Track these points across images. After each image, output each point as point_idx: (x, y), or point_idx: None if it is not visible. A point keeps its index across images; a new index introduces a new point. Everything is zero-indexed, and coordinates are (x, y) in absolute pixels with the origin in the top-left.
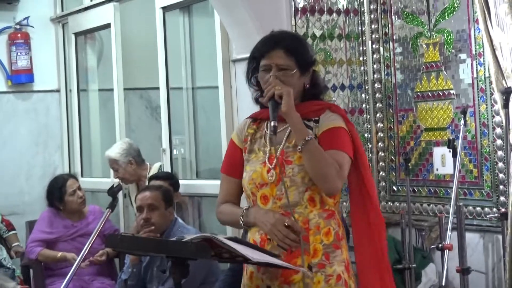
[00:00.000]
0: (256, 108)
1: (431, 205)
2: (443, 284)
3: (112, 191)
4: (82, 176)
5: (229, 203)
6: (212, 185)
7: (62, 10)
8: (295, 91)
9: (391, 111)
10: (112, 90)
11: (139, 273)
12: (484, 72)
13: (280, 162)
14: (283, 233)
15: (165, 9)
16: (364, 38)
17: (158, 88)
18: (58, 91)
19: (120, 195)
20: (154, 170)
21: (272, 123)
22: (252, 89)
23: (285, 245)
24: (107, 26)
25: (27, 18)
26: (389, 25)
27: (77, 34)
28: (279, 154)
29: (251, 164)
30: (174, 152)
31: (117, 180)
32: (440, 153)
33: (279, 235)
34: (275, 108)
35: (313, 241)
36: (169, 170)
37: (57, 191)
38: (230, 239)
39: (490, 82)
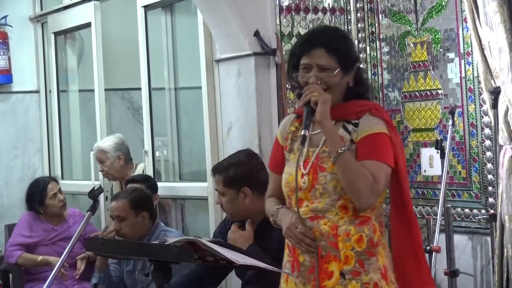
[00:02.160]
0: None
1: (419, 206)
2: None
3: (93, 194)
4: (62, 178)
5: (274, 197)
6: (195, 187)
7: (42, 9)
8: (337, 91)
9: None
10: (92, 90)
11: (109, 277)
12: (473, 71)
13: (313, 167)
14: (298, 237)
15: (147, 7)
16: (350, 37)
17: (140, 89)
18: (37, 92)
19: (101, 197)
20: (139, 170)
21: (303, 132)
22: (292, 85)
23: (302, 248)
24: (88, 25)
25: (5, 17)
26: (376, 24)
27: (56, 34)
28: (314, 158)
29: (289, 166)
30: (157, 154)
31: (98, 183)
32: (428, 154)
33: (295, 238)
34: (309, 115)
35: (343, 248)
36: (151, 172)
37: (38, 195)
38: (213, 242)
39: (479, 82)
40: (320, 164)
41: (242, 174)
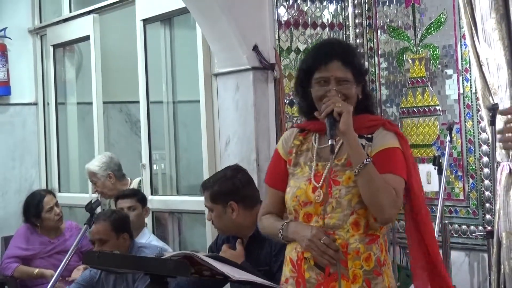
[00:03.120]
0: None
1: None
2: None
3: (90, 207)
4: (59, 191)
5: (271, 214)
6: (192, 201)
7: (41, 22)
8: (351, 104)
9: None
10: (91, 103)
11: None
12: (471, 88)
13: (327, 181)
14: (321, 249)
15: (146, 21)
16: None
17: (138, 102)
18: (35, 104)
19: (98, 211)
20: (134, 185)
21: (330, 142)
22: (298, 100)
23: (324, 261)
24: (87, 38)
25: (4, 29)
26: (375, 40)
27: (55, 46)
28: (327, 172)
29: (296, 180)
30: (154, 167)
31: (95, 196)
32: (426, 170)
33: (317, 251)
34: (333, 126)
35: (352, 266)
36: (148, 186)
37: (34, 208)
38: (210, 256)
39: (477, 98)
40: (333, 177)
41: (228, 189)
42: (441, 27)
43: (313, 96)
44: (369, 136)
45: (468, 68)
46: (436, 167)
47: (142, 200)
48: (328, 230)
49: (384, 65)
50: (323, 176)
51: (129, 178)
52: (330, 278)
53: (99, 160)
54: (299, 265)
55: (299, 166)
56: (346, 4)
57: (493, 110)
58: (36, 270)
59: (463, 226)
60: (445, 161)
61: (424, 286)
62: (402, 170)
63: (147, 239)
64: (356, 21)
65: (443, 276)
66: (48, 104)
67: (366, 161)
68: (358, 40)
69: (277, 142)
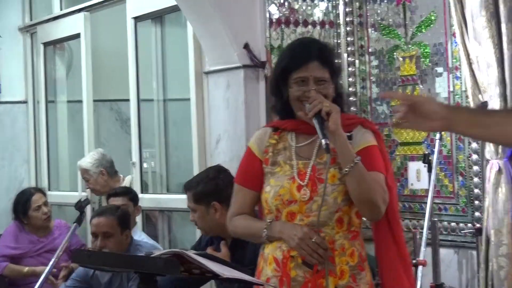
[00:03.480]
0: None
1: (406, 220)
2: None
3: (80, 205)
4: (49, 189)
5: (245, 214)
6: (183, 200)
7: (31, 19)
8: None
9: None
10: (81, 101)
11: None
12: (461, 86)
13: (312, 179)
14: (312, 248)
15: (137, 19)
16: (339, 51)
17: (128, 100)
18: (25, 102)
19: (87, 209)
20: (127, 182)
21: (324, 141)
22: (273, 99)
23: (313, 260)
24: (77, 36)
25: None
26: (365, 38)
27: (46, 44)
28: (311, 170)
29: (277, 179)
30: (144, 165)
31: (85, 194)
32: (415, 168)
33: (307, 250)
34: (322, 126)
35: (339, 263)
36: (138, 183)
37: (22, 205)
38: (200, 254)
39: (467, 96)
40: (318, 176)
41: (210, 189)
42: (431, 25)
43: (290, 96)
44: (348, 134)
45: (458, 66)
46: (426, 165)
47: (134, 198)
48: (314, 228)
49: (374, 63)
50: (307, 174)
51: (121, 175)
52: (318, 275)
53: (91, 157)
54: (285, 264)
55: (278, 165)
56: (337, 2)
57: (483, 107)
58: (27, 268)
59: (452, 224)
60: (434, 158)
61: (393, 281)
62: (382, 167)
63: (139, 237)
64: (347, 19)
65: (409, 274)
66: (38, 102)
67: (356, 160)
68: (349, 38)
69: None
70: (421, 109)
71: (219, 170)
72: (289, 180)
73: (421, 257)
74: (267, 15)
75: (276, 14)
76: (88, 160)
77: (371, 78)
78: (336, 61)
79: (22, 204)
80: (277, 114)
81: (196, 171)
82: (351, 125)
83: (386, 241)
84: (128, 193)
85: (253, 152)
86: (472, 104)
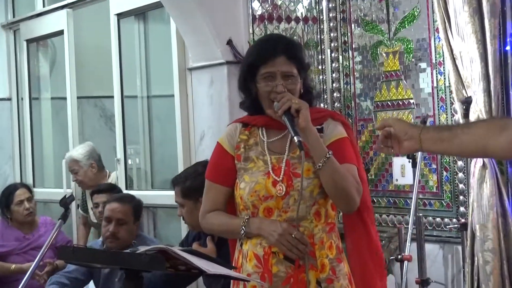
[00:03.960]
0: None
1: (390, 215)
2: None
3: (64, 202)
4: (34, 186)
5: (219, 211)
6: (167, 196)
7: (14, 16)
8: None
9: (350, 120)
10: (65, 98)
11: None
12: (444, 81)
13: (287, 174)
14: (292, 243)
15: (120, 16)
16: (323, 47)
17: (112, 97)
18: (9, 99)
19: (72, 205)
20: (113, 178)
21: (296, 139)
22: (242, 95)
23: (294, 255)
24: (60, 33)
25: None
26: (349, 34)
27: (29, 41)
28: (285, 165)
29: (251, 175)
30: (129, 162)
31: (70, 191)
32: (400, 163)
33: (287, 245)
34: (292, 123)
35: (320, 256)
36: (123, 180)
37: (5, 198)
38: (185, 250)
39: (450, 92)
40: (293, 170)
41: (199, 184)
42: (414, 21)
43: (260, 92)
44: (319, 127)
45: (442, 62)
46: (410, 160)
47: None
48: (293, 223)
49: (358, 59)
50: (282, 169)
51: (108, 171)
52: (300, 270)
53: (82, 148)
54: (266, 260)
55: (251, 160)
56: None
57: (467, 103)
58: (13, 266)
59: (437, 219)
60: (419, 154)
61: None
62: (354, 159)
63: None
64: (330, 15)
65: (381, 271)
66: (22, 99)
67: (328, 155)
68: (332, 34)
69: None
70: (393, 131)
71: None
72: (263, 175)
73: (406, 253)
74: (250, 11)
75: (259, 10)
76: (80, 151)
77: (355, 74)
78: (304, 56)
79: (6, 197)
80: (246, 110)
81: (180, 167)
82: (321, 118)
83: (357, 235)
84: (113, 189)
85: (224, 148)
86: (456, 100)
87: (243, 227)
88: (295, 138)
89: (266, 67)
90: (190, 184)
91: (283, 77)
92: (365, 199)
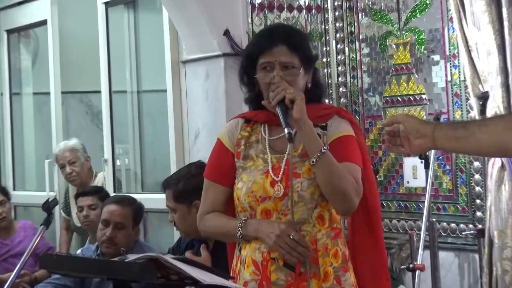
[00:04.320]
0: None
1: (401, 221)
2: None
3: (47, 206)
4: (14, 189)
5: (217, 212)
6: (159, 199)
7: None
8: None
9: (357, 117)
10: (48, 93)
11: None
12: (459, 75)
13: (287, 174)
14: (290, 245)
15: (108, 4)
16: (327, 38)
17: (99, 92)
18: None
19: (56, 210)
20: (99, 178)
21: (287, 130)
22: (244, 89)
23: (293, 258)
24: (44, 22)
25: None
26: (355, 23)
27: (9, 32)
28: (285, 164)
29: (249, 174)
30: (117, 162)
31: (53, 194)
32: (411, 164)
33: (286, 248)
34: (285, 114)
35: (323, 264)
36: (111, 182)
37: None
38: (178, 259)
39: (466, 86)
40: (293, 170)
41: (193, 187)
42: (426, 10)
43: (260, 83)
44: (323, 124)
45: (456, 54)
46: (423, 161)
47: (105, 198)
48: (293, 226)
49: (365, 50)
50: (282, 169)
51: (95, 171)
52: (301, 278)
53: (75, 140)
54: (265, 267)
55: (250, 159)
56: None
57: (483, 98)
58: None
59: (452, 225)
60: (432, 154)
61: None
62: (358, 158)
63: None
64: (336, 3)
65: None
66: (2, 94)
67: (323, 149)
68: (337, 24)
69: None
70: (402, 129)
71: (202, 166)
72: (262, 175)
73: (418, 261)
74: None
75: None
76: (74, 141)
77: (362, 67)
78: (308, 46)
79: None
80: (249, 104)
81: (173, 168)
82: (326, 115)
83: (364, 245)
84: (99, 192)
85: (224, 145)
86: (471, 95)
87: (240, 229)
88: (285, 129)
89: (264, 57)
90: (183, 187)
91: (282, 68)
92: (375, 205)
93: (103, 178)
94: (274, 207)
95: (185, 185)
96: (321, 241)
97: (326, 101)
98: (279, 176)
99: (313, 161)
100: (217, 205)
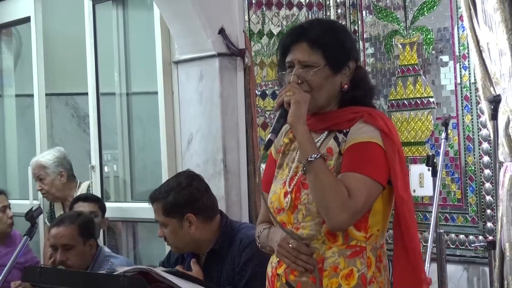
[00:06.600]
0: None
1: None
2: None
3: (31, 216)
4: None
5: (265, 222)
6: (150, 209)
7: None
8: (325, 94)
9: None
10: (32, 95)
11: None
12: (469, 77)
13: (297, 185)
14: (292, 254)
15: (96, 1)
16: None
17: (86, 94)
18: None
19: (40, 219)
20: (83, 189)
21: (269, 136)
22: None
23: (299, 268)
24: (27, 20)
25: None
26: (359, 22)
27: None
28: (301, 174)
29: (275, 184)
30: (105, 169)
31: (36, 202)
32: (418, 171)
33: (289, 257)
34: (280, 118)
35: (328, 285)
36: (99, 190)
37: None
38: (169, 272)
39: (476, 89)
40: (303, 180)
41: (184, 199)
42: (435, 8)
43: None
44: (347, 130)
45: (466, 55)
46: (430, 168)
47: (104, 208)
48: (306, 242)
49: (370, 50)
50: (295, 179)
51: (78, 181)
52: None
53: (51, 154)
54: (273, 282)
55: (281, 168)
56: None
57: (495, 102)
58: None
59: (461, 236)
60: (440, 161)
61: None
62: (372, 170)
63: None
64: (338, 0)
65: None
66: None
67: (310, 158)
68: (340, 22)
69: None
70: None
71: (191, 177)
72: (281, 185)
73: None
74: None
75: None
76: (48, 157)
77: (366, 68)
78: (338, 42)
79: None
80: None
81: (164, 175)
82: (353, 119)
83: (401, 262)
84: (99, 200)
85: (271, 154)
86: (482, 98)
87: (258, 238)
88: (269, 135)
89: (288, 55)
90: (173, 199)
91: (302, 67)
92: (407, 222)
93: (86, 188)
94: (287, 219)
95: (176, 198)
96: (330, 260)
97: (378, 103)
98: (291, 186)
99: (302, 170)
100: (265, 215)
